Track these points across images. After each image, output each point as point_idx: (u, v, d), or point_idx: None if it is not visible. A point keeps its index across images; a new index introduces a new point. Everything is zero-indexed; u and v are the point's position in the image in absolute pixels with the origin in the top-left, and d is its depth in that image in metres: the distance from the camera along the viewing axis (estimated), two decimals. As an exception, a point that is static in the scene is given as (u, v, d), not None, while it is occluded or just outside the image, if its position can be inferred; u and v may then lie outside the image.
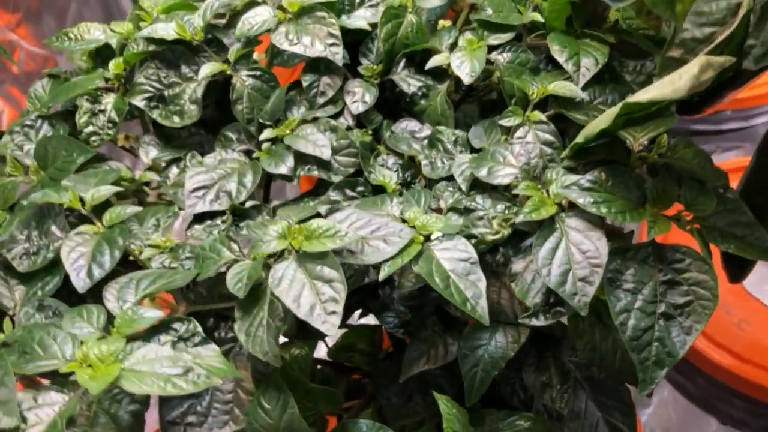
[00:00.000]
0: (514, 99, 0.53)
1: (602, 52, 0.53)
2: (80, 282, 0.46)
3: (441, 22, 0.63)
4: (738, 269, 0.51)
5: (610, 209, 0.41)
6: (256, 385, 0.48)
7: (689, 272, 0.42)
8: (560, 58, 0.52)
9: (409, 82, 0.60)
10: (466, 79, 0.52)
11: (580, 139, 0.43)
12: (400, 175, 0.57)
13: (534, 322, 0.43)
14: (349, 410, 0.56)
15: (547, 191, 0.45)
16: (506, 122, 0.51)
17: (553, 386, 0.49)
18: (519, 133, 0.50)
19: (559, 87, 0.51)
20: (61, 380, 0.40)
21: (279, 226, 0.45)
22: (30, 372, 0.40)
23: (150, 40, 0.62)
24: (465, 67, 0.53)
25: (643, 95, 0.37)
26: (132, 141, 0.65)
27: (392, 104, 0.63)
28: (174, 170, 0.61)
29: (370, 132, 0.60)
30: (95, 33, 0.67)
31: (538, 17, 0.56)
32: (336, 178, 0.56)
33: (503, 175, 0.47)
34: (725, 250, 0.42)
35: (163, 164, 0.61)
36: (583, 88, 0.51)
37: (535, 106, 0.51)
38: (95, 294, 0.47)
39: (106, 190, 0.52)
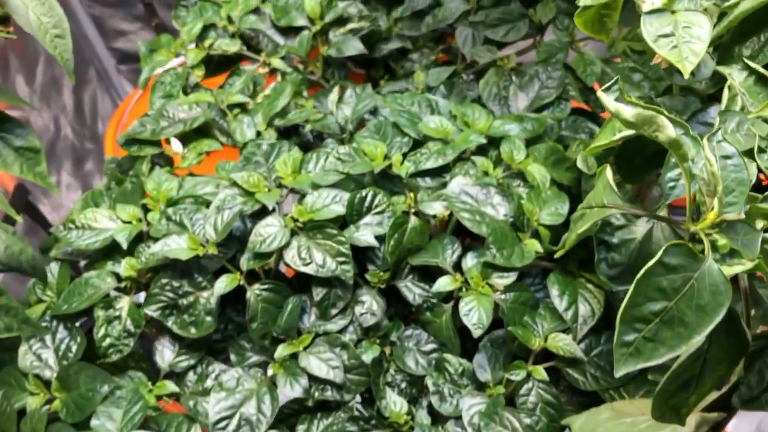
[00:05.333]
0: (516, 342, 0.57)
1: (598, 300, 0.57)
2: None
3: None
4: None
5: None
6: None
7: None
8: (559, 306, 0.57)
9: (414, 292, 0.63)
10: (475, 333, 0.56)
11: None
12: (408, 392, 0.61)
13: None
14: None
15: (550, 468, 0.51)
16: (512, 376, 0.56)
17: None
18: (523, 390, 0.55)
19: (558, 343, 0.55)
20: None
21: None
22: None
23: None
24: (473, 317, 0.57)
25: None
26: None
27: (397, 305, 0.67)
28: (191, 376, 0.64)
29: (377, 341, 0.64)
30: (102, 221, 0.68)
31: (537, 247, 0.60)
32: (348, 397, 0.61)
33: (511, 447, 0.52)
34: None
35: (180, 369, 0.64)
36: (580, 340, 0.56)
37: (535, 357, 0.56)
38: None
39: (138, 439, 0.55)
